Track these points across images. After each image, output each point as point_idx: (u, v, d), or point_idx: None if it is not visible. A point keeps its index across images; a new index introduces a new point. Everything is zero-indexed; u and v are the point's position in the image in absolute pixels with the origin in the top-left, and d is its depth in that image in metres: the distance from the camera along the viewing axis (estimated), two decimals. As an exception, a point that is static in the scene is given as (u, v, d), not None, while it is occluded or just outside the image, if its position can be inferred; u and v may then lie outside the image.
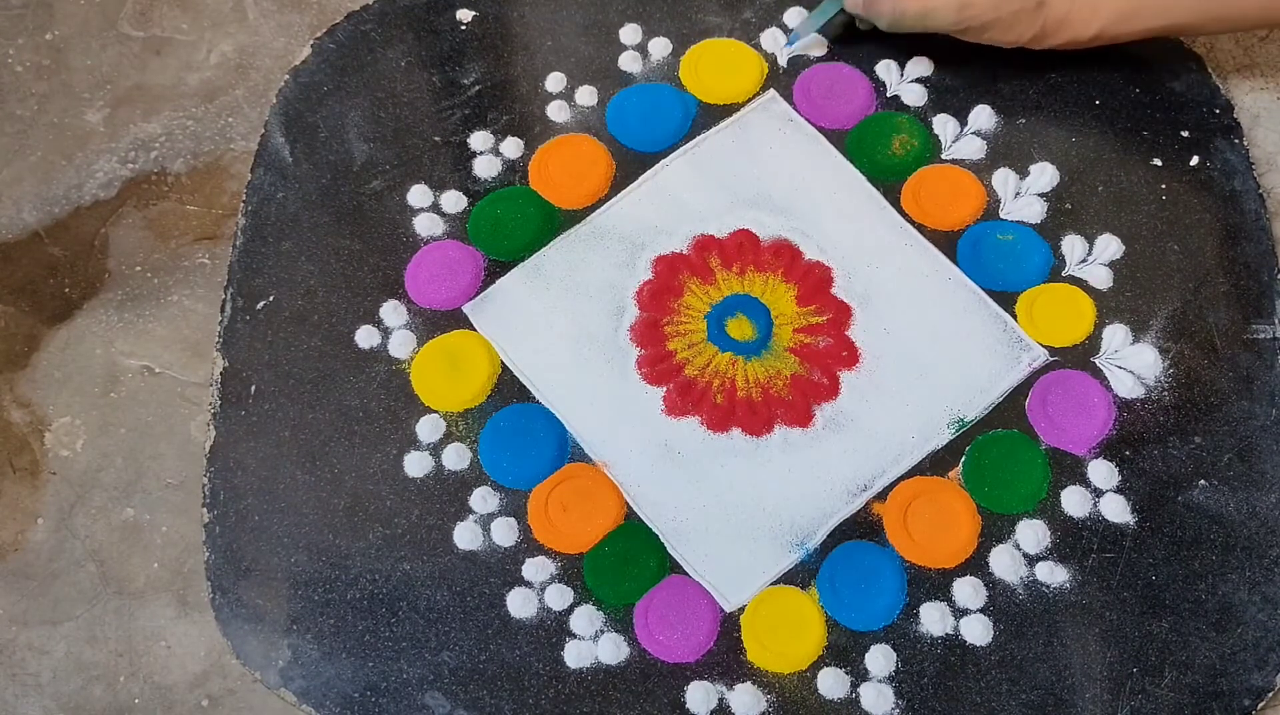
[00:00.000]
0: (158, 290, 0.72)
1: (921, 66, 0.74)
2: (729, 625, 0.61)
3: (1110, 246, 0.68)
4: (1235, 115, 0.72)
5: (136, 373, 0.69)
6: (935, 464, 0.64)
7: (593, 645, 0.60)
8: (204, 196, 0.74)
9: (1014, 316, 0.67)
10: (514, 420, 0.65)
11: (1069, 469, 0.63)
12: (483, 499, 0.63)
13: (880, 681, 0.59)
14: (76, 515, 0.66)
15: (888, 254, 0.69)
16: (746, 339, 0.67)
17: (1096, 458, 0.63)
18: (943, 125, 0.72)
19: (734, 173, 0.71)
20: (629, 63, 0.74)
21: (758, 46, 0.75)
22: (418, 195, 0.71)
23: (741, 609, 0.61)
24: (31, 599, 0.64)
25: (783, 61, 0.73)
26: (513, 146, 0.72)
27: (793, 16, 0.75)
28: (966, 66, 0.74)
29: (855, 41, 0.74)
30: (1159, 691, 0.59)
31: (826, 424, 0.65)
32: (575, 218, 0.70)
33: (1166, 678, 0.59)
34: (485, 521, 0.63)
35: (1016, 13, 0.66)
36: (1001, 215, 0.70)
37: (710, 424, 0.65)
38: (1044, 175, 0.70)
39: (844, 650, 0.60)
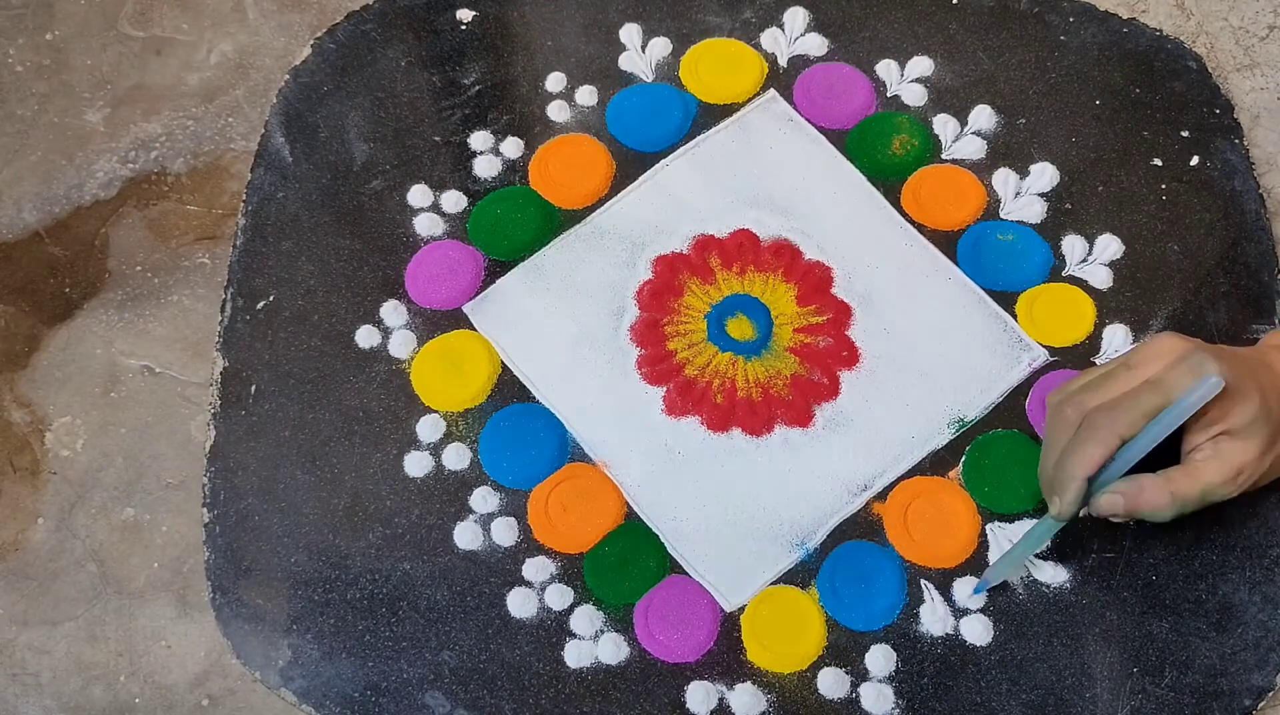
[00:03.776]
0: (158, 290, 0.72)
1: (921, 66, 0.74)
2: (729, 625, 0.61)
3: (1110, 246, 0.68)
4: (1235, 115, 0.72)
5: (136, 373, 0.69)
6: (935, 464, 0.64)
7: (593, 645, 0.60)
8: (204, 196, 0.74)
9: (1014, 316, 0.67)
10: (514, 420, 0.65)
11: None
12: (483, 499, 0.63)
13: (880, 681, 0.59)
14: (76, 515, 0.66)
15: (888, 254, 0.69)
16: (746, 339, 0.67)
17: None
18: (943, 125, 0.72)
19: (734, 173, 0.71)
20: (629, 63, 0.74)
21: (758, 46, 0.75)
22: (418, 195, 0.71)
23: (741, 609, 0.61)
24: (31, 599, 0.64)
25: (969, 601, 0.61)
26: (513, 146, 0.72)
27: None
28: (966, 66, 0.74)
29: (859, 47, 0.74)
30: (1159, 691, 0.59)
31: (826, 424, 0.65)
32: (575, 218, 0.70)
33: (1166, 678, 0.59)
34: (485, 521, 0.63)
35: None
36: (1001, 215, 0.70)
37: (710, 424, 0.65)
38: (1044, 175, 0.70)
39: (844, 650, 0.60)
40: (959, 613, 0.60)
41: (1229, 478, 0.56)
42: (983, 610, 0.60)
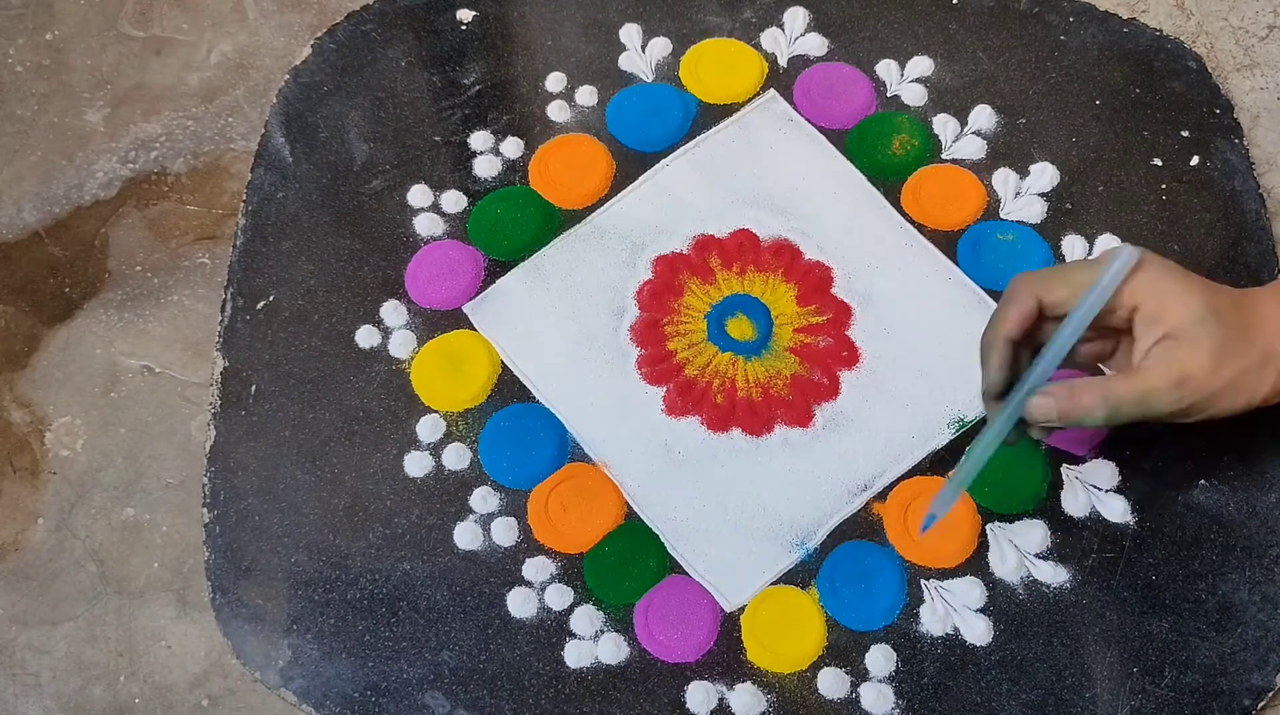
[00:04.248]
0: (158, 290, 0.72)
1: (921, 66, 0.74)
2: (729, 625, 0.61)
3: (1110, 247, 0.68)
4: (1235, 115, 0.72)
5: (136, 373, 0.69)
6: (935, 464, 0.64)
7: (593, 645, 0.60)
8: (204, 196, 0.74)
9: (1014, 316, 0.67)
10: (514, 420, 0.65)
11: (1069, 469, 0.63)
12: (483, 499, 0.63)
13: (880, 681, 0.59)
14: (76, 515, 0.66)
15: (888, 254, 0.69)
16: (746, 339, 0.67)
17: (1096, 458, 0.63)
18: (943, 125, 0.72)
19: (734, 173, 0.71)
20: (629, 63, 0.74)
21: (758, 46, 0.75)
22: (418, 195, 0.71)
23: (741, 609, 0.61)
24: (31, 599, 0.64)
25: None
26: (513, 146, 0.72)
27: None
28: (966, 66, 0.74)
29: (859, 46, 0.74)
30: (1159, 691, 0.59)
31: (826, 424, 0.65)
32: (575, 218, 0.70)
33: (1166, 678, 0.59)
34: (485, 521, 0.63)
35: (1241, 372, 0.52)
36: (1002, 215, 0.70)
37: (710, 424, 0.65)
38: (1044, 175, 0.70)
39: (844, 650, 0.60)
40: (959, 613, 0.60)
41: (1172, 383, 0.51)
42: (982, 610, 0.60)
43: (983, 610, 0.60)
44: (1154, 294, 0.51)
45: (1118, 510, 0.62)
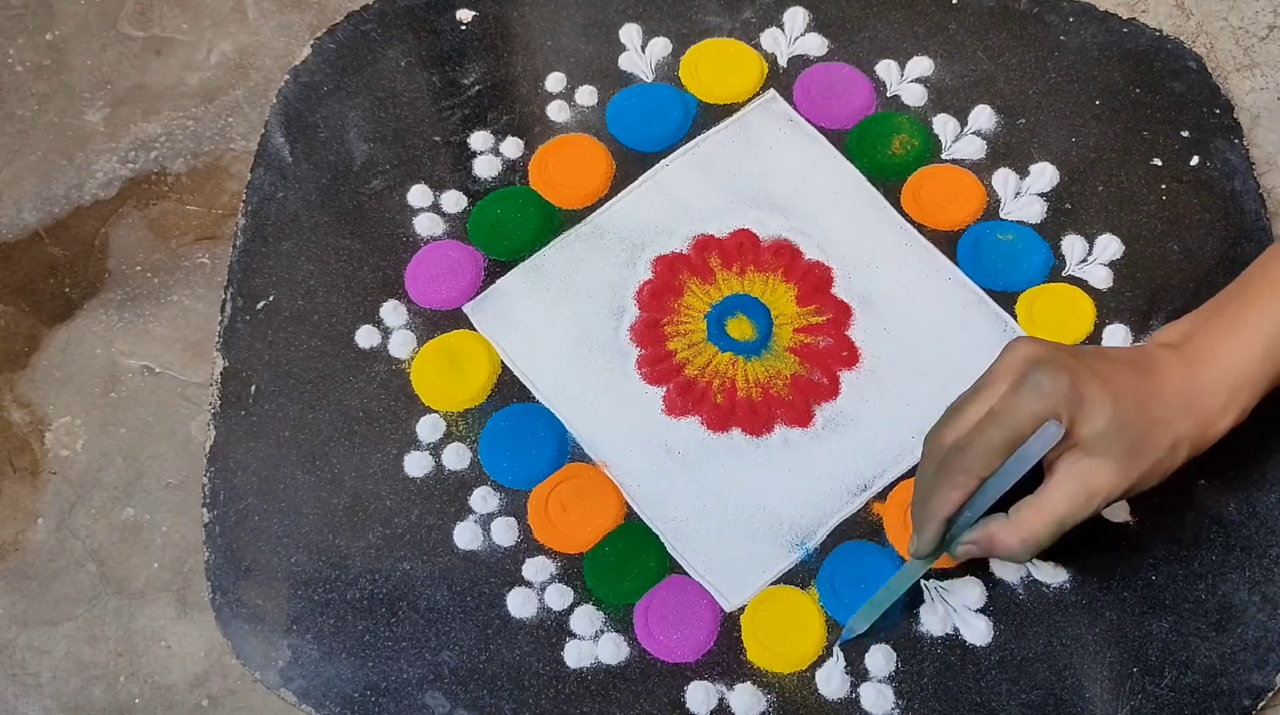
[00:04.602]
0: (158, 290, 0.72)
1: (921, 66, 0.74)
2: (729, 625, 0.61)
3: (1110, 246, 0.68)
4: (1235, 115, 0.72)
5: (136, 373, 0.69)
6: (935, 464, 0.64)
7: (593, 645, 0.60)
8: (204, 196, 0.74)
9: (1014, 316, 0.67)
10: (514, 420, 0.65)
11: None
12: (483, 499, 0.63)
13: (880, 681, 0.59)
14: (76, 515, 0.66)
15: (888, 254, 0.69)
16: (746, 339, 0.67)
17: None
18: (943, 125, 0.72)
19: (734, 173, 0.71)
20: (629, 63, 0.74)
21: (758, 46, 0.75)
22: (418, 195, 0.71)
23: (741, 609, 0.61)
24: (31, 599, 0.64)
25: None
26: (513, 146, 0.72)
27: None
28: (966, 66, 0.74)
29: (858, 44, 0.74)
30: (1159, 691, 0.59)
31: (826, 424, 0.65)
32: (575, 218, 0.70)
33: (1166, 678, 0.59)
34: (485, 521, 0.63)
35: (1151, 465, 0.53)
36: (1001, 215, 0.70)
37: (710, 424, 0.65)
38: (1044, 175, 0.70)
39: (844, 650, 0.60)
40: (959, 613, 0.60)
41: (1080, 504, 0.53)
42: (982, 610, 0.60)
43: (983, 610, 0.60)
44: (1067, 406, 0.51)
45: (1118, 510, 0.62)
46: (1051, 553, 0.61)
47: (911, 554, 0.56)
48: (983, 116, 0.72)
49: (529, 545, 0.62)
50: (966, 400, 0.54)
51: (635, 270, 0.69)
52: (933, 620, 0.60)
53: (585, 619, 0.61)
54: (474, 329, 0.68)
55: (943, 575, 0.61)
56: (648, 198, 0.71)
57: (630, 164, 0.72)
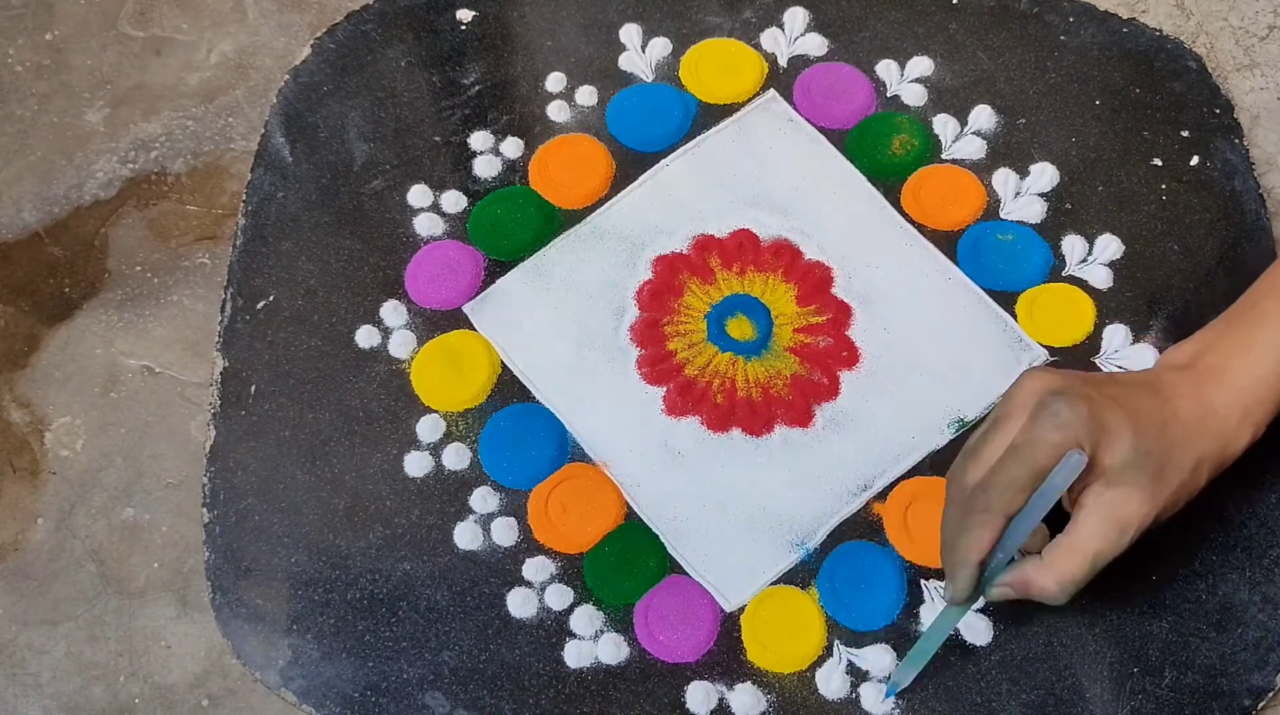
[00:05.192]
0: (158, 290, 0.72)
1: (921, 66, 0.74)
2: (729, 625, 0.61)
3: (1110, 246, 0.68)
4: (1235, 115, 0.72)
5: (136, 373, 0.69)
6: (935, 464, 0.64)
7: (593, 645, 0.60)
8: (204, 196, 0.74)
9: (1014, 316, 0.67)
10: (514, 420, 0.65)
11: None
12: (483, 499, 0.63)
13: (880, 681, 0.59)
14: (76, 515, 0.66)
15: (888, 254, 0.69)
16: (746, 339, 0.67)
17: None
18: (943, 125, 0.72)
19: (734, 173, 0.71)
20: (629, 63, 0.74)
21: (758, 46, 0.75)
22: (418, 195, 0.71)
23: (741, 609, 0.61)
24: (31, 599, 0.64)
25: (876, 708, 0.58)
26: (513, 146, 0.72)
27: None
28: (966, 66, 0.74)
29: (858, 45, 0.74)
30: (1159, 691, 0.59)
31: (826, 424, 0.65)
32: (575, 218, 0.70)
33: (1166, 678, 0.59)
34: (485, 521, 0.63)
35: (1178, 490, 0.53)
36: (1001, 215, 0.70)
37: (710, 424, 0.65)
38: (1044, 175, 0.70)
39: (842, 647, 0.60)
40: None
41: (1113, 538, 0.52)
42: (983, 610, 0.60)
43: (983, 610, 0.60)
44: (1088, 436, 0.51)
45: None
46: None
47: (947, 601, 0.55)
48: (983, 116, 0.72)
49: (529, 545, 0.62)
50: (983, 438, 0.53)
51: (635, 270, 0.69)
52: (933, 620, 0.60)
53: (585, 619, 0.61)
54: (474, 329, 0.68)
55: (943, 575, 0.61)
56: (648, 198, 0.71)
57: (630, 164, 0.72)
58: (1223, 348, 0.55)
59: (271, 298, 0.68)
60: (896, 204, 0.70)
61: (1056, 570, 0.52)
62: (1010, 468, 0.51)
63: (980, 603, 0.57)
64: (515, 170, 0.72)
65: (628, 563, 0.62)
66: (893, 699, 0.58)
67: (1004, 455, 0.52)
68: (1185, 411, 0.53)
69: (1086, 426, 0.50)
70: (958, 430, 0.64)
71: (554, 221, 0.70)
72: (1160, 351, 0.65)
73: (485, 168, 0.72)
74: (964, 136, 0.72)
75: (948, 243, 0.69)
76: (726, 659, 0.60)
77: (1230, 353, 0.55)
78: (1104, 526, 0.52)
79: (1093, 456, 0.51)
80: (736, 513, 0.63)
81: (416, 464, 0.64)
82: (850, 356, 0.67)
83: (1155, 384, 0.54)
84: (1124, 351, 0.66)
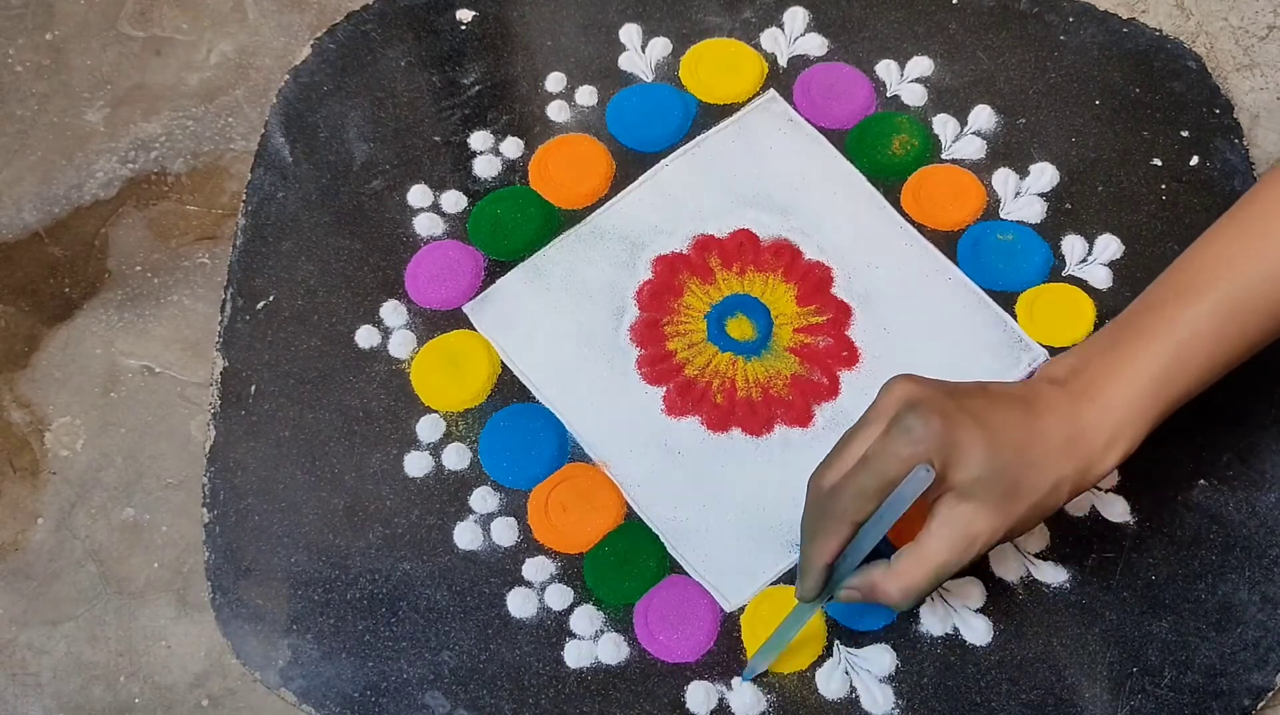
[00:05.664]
0: (158, 290, 0.72)
1: (921, 66, 0.74)
2: (729, 625, 0.61)
3: (1110, 246, 0.68)
4: (1235, 115, 0.72)
5: (136, 373, 0.69)
6: (935, 464, 0.64)
7: (593, 645, 0.60)
8: (204, 196, 0.74)
9: (1014, 316, 0.67)
10: (514, 420, 0.65)
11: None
12: (483, 499, 0.63)
13: (880, 681, 0.59)
14: (76, 515, 0.66)
15: (888, 254, 0.69)
16: (746, 339, 0.67)
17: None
18: (943, 125, 0.72)
19: (734, 173, 0.71)
20: (629, 63, 0.74)
21: (758, 46, 0.75)
22: (418, 195, 0.71)
23: (741, 609, 0.61)
24: (31, 599, 0.64)
25: (737, 683, 0.60)
26: (513, 146, 0.72)
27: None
28: (966, 66, 0.74)
29: (855, 43, 0.74)
30: (1159, 691, 0.59)
31: (826, 424, 0.65)
32: (575, 218, 0.70)
33: (1166, 677, 0.59)
34: (485, 521, 0.63)
35: (1031, 508, 0.52)
36: (1001, 215, 0.70)
37: (710, 424, 0.65)
38: (1044, 175, 0.70)
39: (843, 649, 0.60)
40: (959, 613, 0.60)
41: (959, 551, 0.52)
42: (982, 610, 0.60)
43: (982, 610, 0.60)
44: (939, 450, 0.50)
45: (1117, 510, 0.62)
46: (1051, 553, 0.61)
47: (797, 599, 0.55)
48: (983, 116, 0.72)
49: (529, 545, 0.62)
50: (845, 442, 0.54)
51: (635, 270, 0.69)
52: (932, 620, 0.60)
53: (585, 619, 0.61)
54: (474, 329, 0.68)
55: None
56: (648, 198, 0.71)
57: (630, 164, 0.72)
58: (1101, 364, 0.54)
59: (271, 298, 0.68)
60: (896, 204, 0.70)
61: (902, 578, 0.52)
62: (860, 477, 0.51)
63: (827, 600, 0.56)
64: (515, 170, 0.72)
65: (628, 563, 0.62)
66: (749, 682, 0.59)
67: (856, 464, 0.52)
68: (1051, 431, 0.52)
69: (938, 442, 0.50)
70: (958, 430, 0.64)
71: (554, 221, 0.70)
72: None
73: (485, 168, 0.72)
74: (964, 136, 0.72)
75: (948, 243, 0.69)
76: (726, 659, 0.60)
77: (1107, 369, 0.54)
78: (951, 539, 0.52)
79: (942, 472, 0.50)
80: (736, 513, 0.63)
81: (416, 464, 0.64)
82: (850, 356, 0.67)
83: (1028, 398, 0.53)
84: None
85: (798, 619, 0.57)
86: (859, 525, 0.52)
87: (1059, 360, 0.56)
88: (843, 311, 0.68)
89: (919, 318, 0.67)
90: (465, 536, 0.63)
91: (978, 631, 0.60)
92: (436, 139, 0.73)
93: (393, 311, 0.68)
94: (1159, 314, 0.55)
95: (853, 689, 0.59)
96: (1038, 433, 0.52)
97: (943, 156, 0.71)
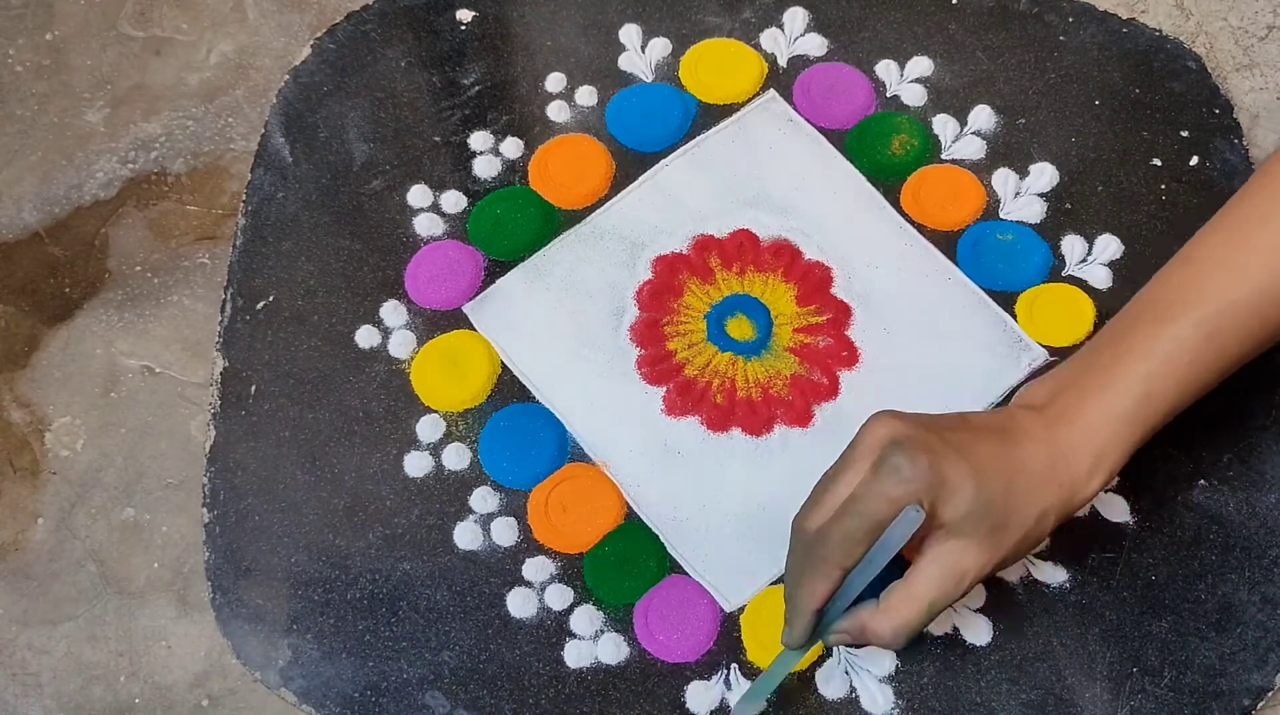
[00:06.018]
0: (158, 290, 0.72)
1: (921, 66, 0.74)
2: (729, 625, 0.61)
3: (1110, 246, 0.68)
4: (1235, 115, 0.72)
5: (136, 373, 0.69)
6: (935, 464, 0.64)
7: (593, 645, 0.60)
8: (204, 196, 0.74)
9: (1014, 316, 0.67)
10: (514, 420, 0.65)
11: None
12: (483, 499, 0.63)
13: (880, 681, 0.59)
14: (76, 515, 0.66)
15: (888, 254, 0.69)
16: (746, 339, 0.67)
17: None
18: (943, 125, 0.72)
19: (734, 173, 0.71)
20: (629, 63, 0.75)
21: (758, 46, 0.75)
22: (418, 195, 0.71)
23: (741, 609, 0.61)
24: (31, 599, 0.64)
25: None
26: (513, 146, 0.72)
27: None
28: (966, 66, 0.74)
29: (854, 43, 0.74)
30: (1159, 691, 0.59)
31: (826, 424, 0.65)
32: (575, 218, 0.70)
33: (1166, 678, 0.59)
34: (485, 521, 0.63)
35: (1019, 541, 0.52)
36: (1001, 215, 0.70)
37: (710, 424, 0.65)
38: (1044, 175, 0.70)
39: (843, 649, 0.60)
40: (959, 613, 0.60)
41: (950, 587, 0.51)
42: (982, 610, 0.60)
43: (982, 610, 0.60)
44: (928, 489, 0.50)
45: (1117, 510, 0.62)
46: (1051, 553, 0.61)
47: (784, 644, 0.54)
48: (982, 116, 0.72)
49: (529, 545, 0.62)
50: (828, 482, 0.52)
51: (635, 270, 0.69)
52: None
53: (585, 619, 0.61)
54: (474, 329, 0.68)
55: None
56: (647, 198, 0.71)
57: (630, 164, 0.72)
58: (1079, 387, 0.54)
59: (271, 298, 0.68)
60: (896, 204, 0.70)
61: (892, 617, 0.52)
62: (848, 521, 0.50)
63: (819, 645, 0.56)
64: (515, 170, 0.72)
65: (628, 563, 0.62)
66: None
67: (842, 506, 0.51)
68: (1033, 460, 0.52)
69: (926, 480, 0.49)
70: (957, 430, 0.64)
71: (554, 221, 0.70)
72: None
73: (485, 168, 0.72)
74: (964, 136, 0.72)
75: (947, 243, 0.69)
76: (726, 659, 0.60)
77: (1085, 393, 0.53)
78: (942, 576, 0.51)
79: (932, 510, 0.50)
80: (736, 513, 0.63)
81: (416, 464, 0.64)
82: (850, 356, 0.67)
83: (1007, 428, 0.53)
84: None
85: (784, 664, 0.56)
86: (846, 570, 0.51)
87: (1036, 385, 0.56)
88: (842, 311, 0.68)
89: (919, 318, 0.67)
90: (465, 536, 0.63)
91: (978, 631, 0.60)
92: (436, 139, 0.73)
93: (393, 311, 0.68)
94: (1136, 335, 0.54)
95: (853, 689, 0.59)
96: (1018, 461, 0.52)
97: (942, 157, 0.71)
